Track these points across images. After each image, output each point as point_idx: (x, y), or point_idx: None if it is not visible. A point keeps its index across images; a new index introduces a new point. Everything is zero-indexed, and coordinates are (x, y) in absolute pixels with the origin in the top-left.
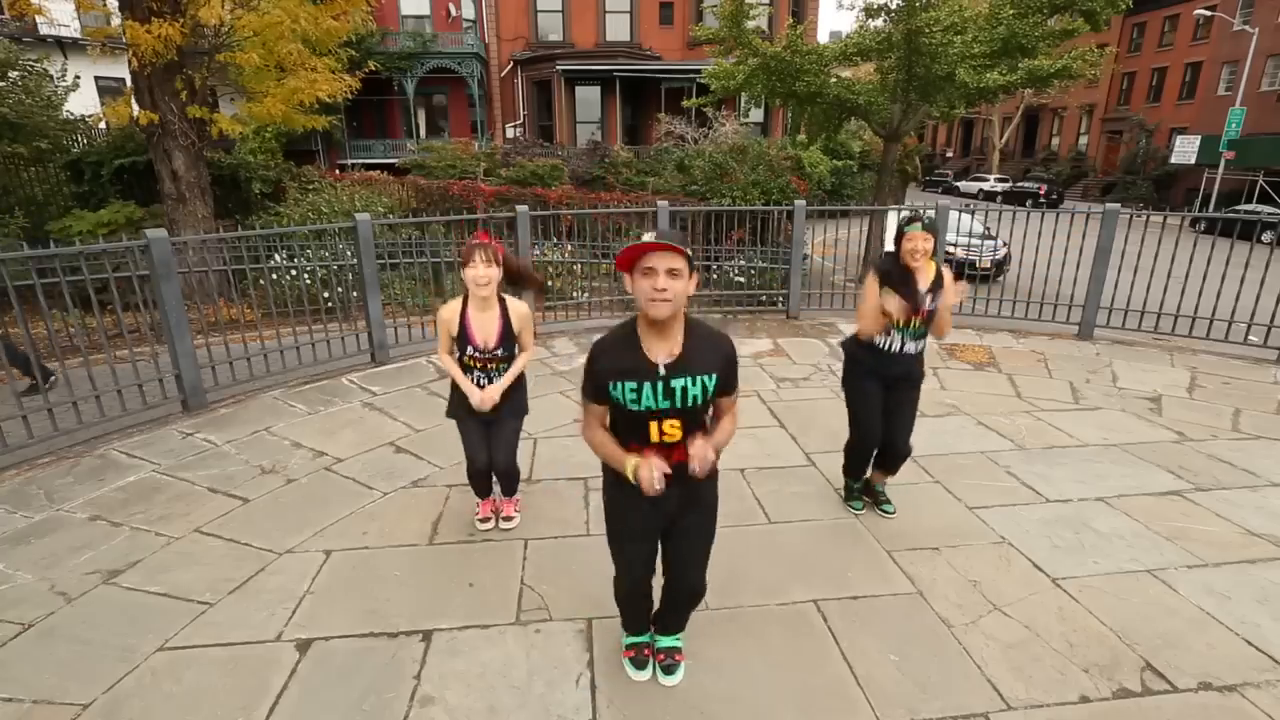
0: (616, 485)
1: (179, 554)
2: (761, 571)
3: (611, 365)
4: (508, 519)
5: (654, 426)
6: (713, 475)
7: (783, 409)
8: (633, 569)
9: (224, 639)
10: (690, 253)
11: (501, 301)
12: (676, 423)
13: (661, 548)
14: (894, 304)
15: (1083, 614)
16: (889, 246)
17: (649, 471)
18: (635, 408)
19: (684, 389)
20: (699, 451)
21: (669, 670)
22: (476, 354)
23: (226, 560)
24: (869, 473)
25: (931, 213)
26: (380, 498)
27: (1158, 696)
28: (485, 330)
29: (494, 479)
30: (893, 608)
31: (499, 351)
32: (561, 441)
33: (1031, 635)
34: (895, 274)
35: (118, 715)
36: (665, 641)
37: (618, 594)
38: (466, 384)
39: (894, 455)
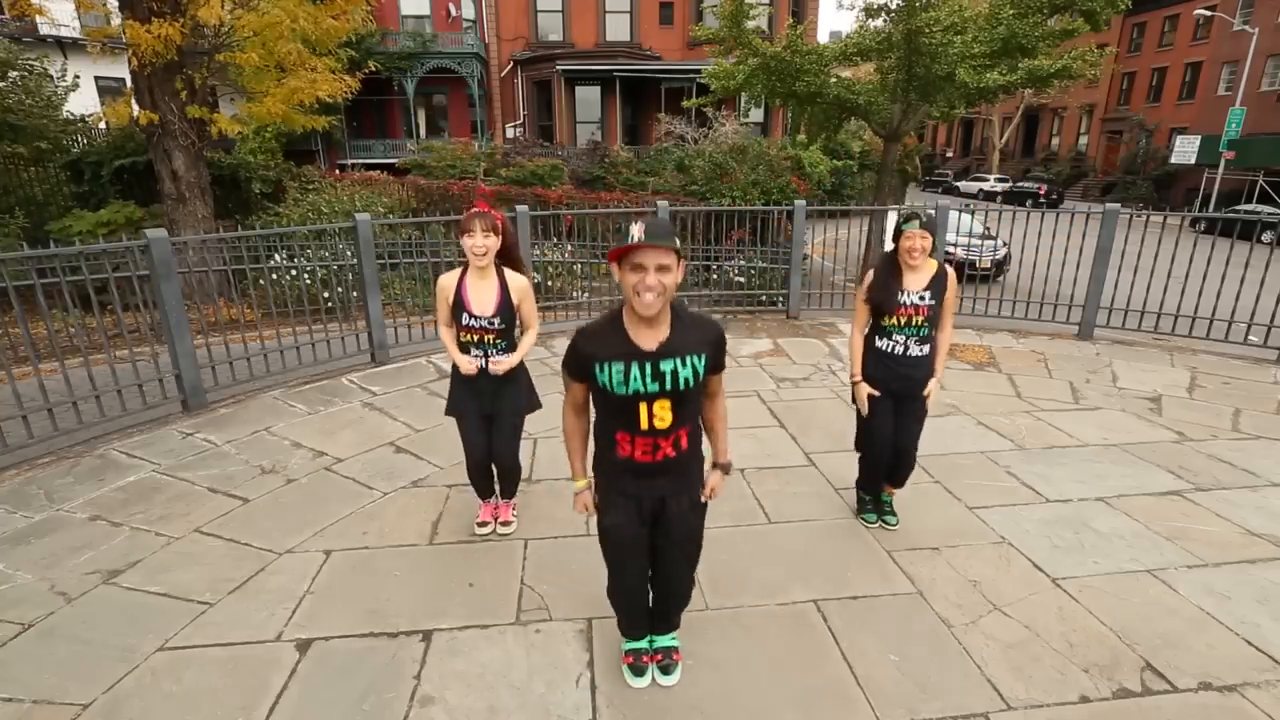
0: (603, 490)
1: (179, 554)
2: (761, 571)
3: (598, 348)
4: (505, 524)
5: (643, 409)
6: (697, 466)
7: (783, 409)
8: (626, 579)
9: (224, 639)
10: (679, 246)
11: (501, 273)
12: (666, 404)
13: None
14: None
15: (1083, 614)
16: (888, 246)
17: (584, 506)
18: (623, 390)
19: (674, 371)
20: (718, 485)
21: (666, 670)
22: (474, 323)
23: (226, 560)
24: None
25: (931, 211)
26: (380, 498)
27: (1158, 696)
28: (482, 299)
29: (495, 478)
30: (893, 608)
31: (496, 321)
32: (561, 441)
33: (1031, 635)
34: (886, 273)
35: (118, 715)
36: (661, 641)
37: (612, 597)
38: (455, 351)
39: (896, 467)
